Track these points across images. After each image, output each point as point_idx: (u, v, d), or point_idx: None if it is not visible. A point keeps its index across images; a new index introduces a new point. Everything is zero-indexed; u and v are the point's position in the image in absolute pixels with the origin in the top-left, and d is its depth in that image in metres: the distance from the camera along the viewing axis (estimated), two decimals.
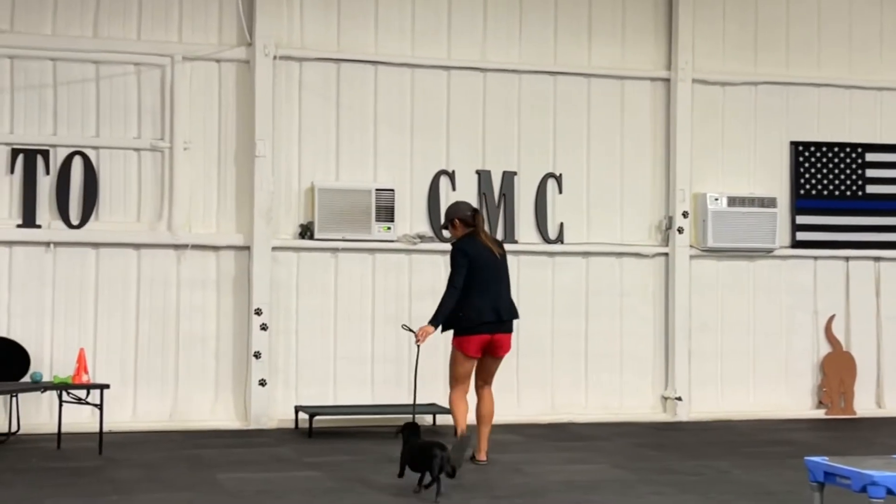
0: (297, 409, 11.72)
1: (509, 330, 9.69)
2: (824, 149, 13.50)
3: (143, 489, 8.37)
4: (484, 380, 9.73)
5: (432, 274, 12.34)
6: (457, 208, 9.84)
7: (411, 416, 9.28)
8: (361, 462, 9.70)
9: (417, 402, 9.65)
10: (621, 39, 13.05)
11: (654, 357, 13.04)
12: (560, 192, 12.82)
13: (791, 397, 13.37)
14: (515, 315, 9.76)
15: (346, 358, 12.17)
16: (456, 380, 9.60)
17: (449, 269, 9.61)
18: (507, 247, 12.07)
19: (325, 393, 12.04)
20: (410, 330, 9.51)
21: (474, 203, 12.29)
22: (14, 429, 10.79)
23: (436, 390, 12.05)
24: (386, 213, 12.12)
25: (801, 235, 13.41)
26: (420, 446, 8.16)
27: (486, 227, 11.70)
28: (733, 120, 13.32)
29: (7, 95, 11.43)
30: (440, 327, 9.50)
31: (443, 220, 10.14)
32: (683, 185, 12.98)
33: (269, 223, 11.86)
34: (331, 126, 12.22)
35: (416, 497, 8.10)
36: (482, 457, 9.64)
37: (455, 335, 9.54)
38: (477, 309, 9.43)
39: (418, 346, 9.35)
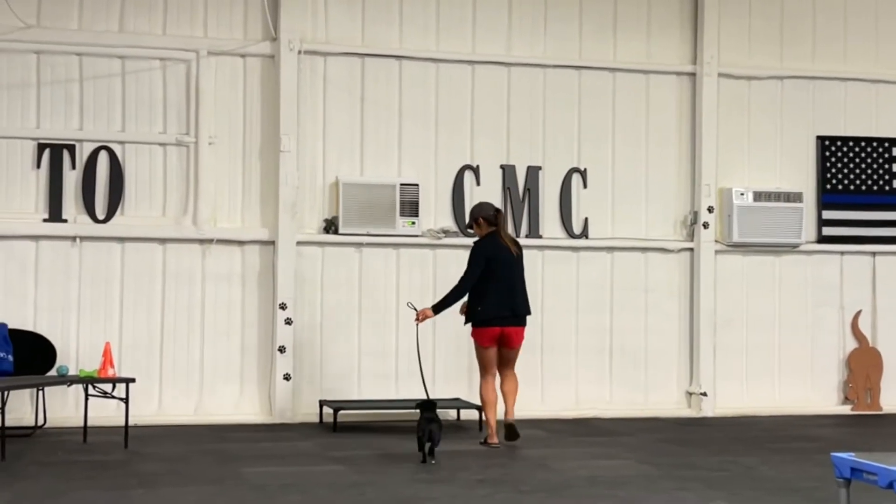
0: (322, 403, 11.74)
1: (522, 324, 10.41)
2: (851, 143, 13.43)
3: (167, 482, 8.40)
4: (505, 367, 10.49)
5: (457, 269, 12.25)
6: (481, 208, 10.58)
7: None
8: (385, 456, 9.71)
9: (441, 396, 10.73)
10: (646, 34, 13.00)
11: (679, 352, 13.00)
12: (585, 186, 12.79)
13: (817, 393, 13.32)
14: (528, 311, 10.49)
15: (371, 353, 12.18)
16: (482, 368, 10.44)
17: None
18: (531, 242, 12.36)
19: (350, 387, 12.06)
20: (413, 308, 10.47)
21: (498, 198, 12.39)
22: (41, 422, 10.85)
23: (459, 386, 12.09)
24: (410, 207, 12.12)
25: (827, 230, 13.34)
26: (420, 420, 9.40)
27: (511, 226, 11.94)
28: (759, 114, 13.26)
29: (34, 90, 11.49)
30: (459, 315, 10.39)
31: (468, 220, 10.88)
32: (709, 179, 12.93)
33: (294, 218, 11.88)
34: (355, 121, 12.23)
35: (439, 490, 8.11)
36: (493, 440, 10.29)
37: (473, 327, 10.37)
38: (493, 304, 10.22)
39: (416, 324, 10.39)
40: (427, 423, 9.31)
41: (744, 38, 13.21)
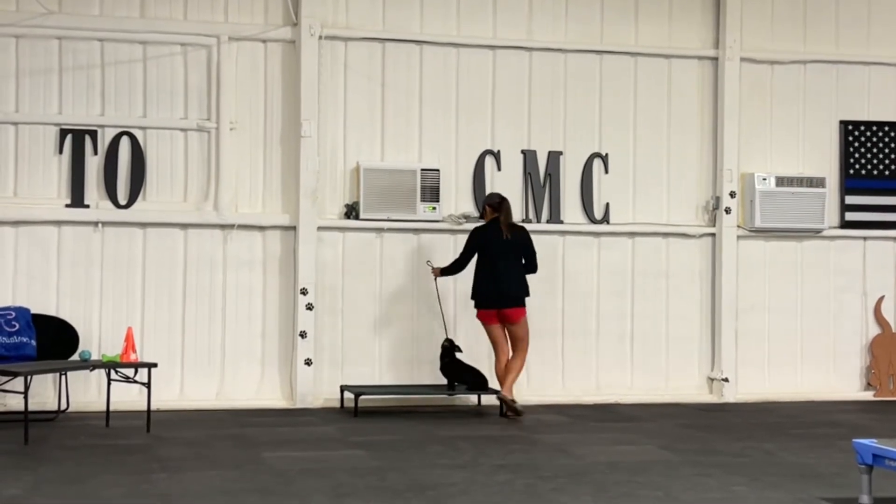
0: (343, 388, 11.77)
1: (514, 304, 11.26)
2: (874, 128, 13.35)
3: (189, 467, 8.44)
4: (513, 343, 11.41)
5: None
6: (488, 196, 11.71)
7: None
8: (406, 441, 9.72)
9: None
10: (668, 18, 12.94)
11: (701, 338, 12.97)
12: (606, 172, 12.76)
13: (839, 379, 13.27)
14: (519, 293, 11.29)
15: (392, 337, 12.19)
16: (492, 346, 11.52)
17: None
18: (552, 227, 12.45)
19: (371, 372, 12.08)
20: (431, 265, 11.74)
21: (519, 183, 12.45)
22: (63, 406, 10.90)
23: (480, 370, 12.07)
24: (431, 193, 12.11)
25: (850, 216, 13.27)
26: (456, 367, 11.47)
27: (532, 212, 12.04)
28: (782, 99, 13.19)
29: (55, 76, 11.52)
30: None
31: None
32: (731, 164, 12.88)
33: (315, 203, 11.89)
34: (376, 106, 12.22)
35: (459, 475, 8.11)
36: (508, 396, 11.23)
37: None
38: (479, 289, 11.35)
39: (434, 278, 11.72)
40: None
41: (766, 22, 13.13)
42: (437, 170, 12.19)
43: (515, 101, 12.55)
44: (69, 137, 11.49)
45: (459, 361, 11.50)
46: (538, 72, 12.61)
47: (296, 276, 11.86)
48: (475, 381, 11.48)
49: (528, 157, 12.54)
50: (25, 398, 9.44)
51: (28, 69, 11.45)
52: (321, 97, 11.96)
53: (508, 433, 10.31)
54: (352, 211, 12.08)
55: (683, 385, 12.90)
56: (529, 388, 12.36)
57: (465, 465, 8.64)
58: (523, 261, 11.38)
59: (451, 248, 12.26)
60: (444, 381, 11.59)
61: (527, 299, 11.39)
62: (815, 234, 13.17)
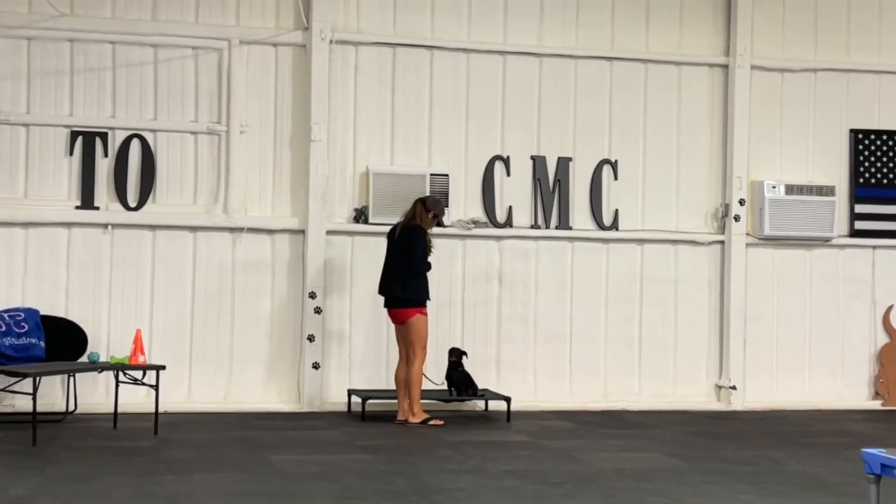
0: (350, 392, 11.77)
1: (392, 305, 11.04)
2: (884, 137, 13.33)
3: (197, 469, 8.45)
4: (404, 350, 11.10)
5: (486, 259, 12.34)
6: None
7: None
8: (413, 446, 9.72)
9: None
10: (679, 25, 12.94)
11: (709, 345, 12.95)
12: (615, 178, 12.75)
13: (847, 388, 13.24)
14: (391, 294, 11.00)
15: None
16: None
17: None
18: (560, 233, 12.53)
19: (378, 377, 12.07)
20: None
21: (528, 189, 12.49)
22: (71, 408, 10.92)
23: (487, 376, 12.09)
24: (440, 198, 12.11)
25: (859, 224, 13.25)
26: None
27: (541, 217, 12.28)
28: (792, 107, 13.18)
29: (67, 78, 11.55)
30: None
31: None
32: (740, 172, 12.87)
33: (324, 207, 11.90)
34: (386, 110, 12.23)
35: (466, 480, 8.11)
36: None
37: None
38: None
39: None
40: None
41: (777, 30, 13.12)
42: (447, 174, 12.20)
43: (525, 106, 12.55)
44: (80, 139, 11.51)
45: (462, 372, 11.52)
46: (548, 78, 12.61)
47: (304, 279, 11.87)
48: (473, 393, 11.50)
49: (538, 162, 12.54)
50: (34, 399, 9.46)
51: (39, 71, 11.47)
52: (331, 101, 11.97)
53: (516, 439, 10.30)
54: (361, 215, 12.08)
55: (691, 392, 12.88)
56: (537, 395, 12.36)
57: (473, 470, 8.64)
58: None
59: (459, 252, 12.26)
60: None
61: (429, 303, 11.10)
62: (824, 242, 13.15)
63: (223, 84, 11.84)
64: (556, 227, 12.52)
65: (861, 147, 13.28)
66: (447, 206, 12.00)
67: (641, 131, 12.85)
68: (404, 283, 10.93)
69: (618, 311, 12.72)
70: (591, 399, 12.55)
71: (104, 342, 11.42)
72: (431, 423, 10.89)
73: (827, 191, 12.98)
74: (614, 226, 12.71)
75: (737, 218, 12.86)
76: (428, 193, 11.88)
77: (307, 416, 11.51)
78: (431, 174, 12.13)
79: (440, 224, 11.38)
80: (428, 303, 11.05)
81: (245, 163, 11.89)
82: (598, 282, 12.69)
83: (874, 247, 13.31)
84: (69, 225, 11.49)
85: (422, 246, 10.91)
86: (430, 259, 11.06)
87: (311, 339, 11.80)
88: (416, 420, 10.90)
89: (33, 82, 11.48)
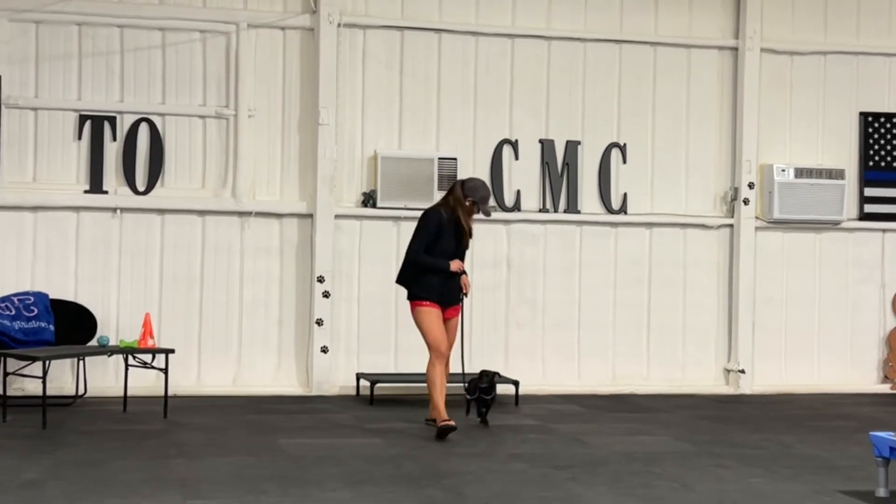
0: (359, 376, 11.79)
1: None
2: (894, 120, 13.28)
3: (206, 453, 8.47)
4: None
5: (494, 243, 12.33)
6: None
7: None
8: (422, 430, 9.73)
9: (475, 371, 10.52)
10: (688, 7, 12.89)
11: (718, 329, 12.94)
12: (624, 162, 12.73)
13: (856, 371, 13.23)
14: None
15: (407, 326, 12.15)
16: None
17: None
18: (569, 217, 12.53)
19: (387, 360, 12.09)
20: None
21: (537, 173, 12.44)
22: (81, 391, 10.95)
23: (495, 360, 12.10)
24: (448, 181, 12.04)
25: (869, 208, 13.21)
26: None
27: (549, 201, 12.04)
28: (801, 90, 13.13)
29: (75, 62, 11.54)
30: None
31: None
32: (750, 155, 12.83)
33: (332, 191, 11.89)
34: (394, 94, 12.21)
35: (475, 464, 8.12)
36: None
37: None
38: None
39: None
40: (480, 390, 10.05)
41: (787, 13, 13.07)
42: (455, 158, 12.18)
43: (534, 90, 12.52)
44: (88, 123, 11.52)
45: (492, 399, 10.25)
46: (557, 61, 12.58)
47: (312, 263, 11.88)
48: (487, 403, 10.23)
49: (546, 146, 12.52)
50: (44, 383, 9.49)
51: (48, 55, 11.47)
52: (339, 85, 11.95)
53: (524, 423, 10.31)
54: (369, 199, 12.08)
55: (700, 376, 12.88)
56: (545, 378, 12.37)
57: (481, 453, 8.65)
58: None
59: None
60: (460, 371, 11.58)
61: (418, 292, 9.80)
62: (833, 225, 13.12)
63: (231, 68, 11.83)
64: (565, 211, 12.50)
65: (871, 130, 13.24)
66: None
67: (650, 114, 12.82)
68: (401, 270, 9.89)
69: (626, 295, 12.72)
70: (599, 383, 12.56)
71: (113, 326, 11.44)
72: (441, 423, 9.42)
73: (836, 174, 12.95)
74: (623, 210, 12.69)
75: (746, 201, 12.83)
76: (437, 176, 11.87)
77: (316, 399, 11.53)
78: (440, 158, 12.11)
79: (485, 213, 9.81)
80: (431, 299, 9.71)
81: (253, 147, 11.89)
82: (606, 266, 12.68)
83: (884, 230, 13.28)
84: (78, 209, 11.50)
85: (424, 231, 9.58)
86: (465, 255, 9.83)
87: (319, 322, 11.81)
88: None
89: (41, 66, 11.48)
